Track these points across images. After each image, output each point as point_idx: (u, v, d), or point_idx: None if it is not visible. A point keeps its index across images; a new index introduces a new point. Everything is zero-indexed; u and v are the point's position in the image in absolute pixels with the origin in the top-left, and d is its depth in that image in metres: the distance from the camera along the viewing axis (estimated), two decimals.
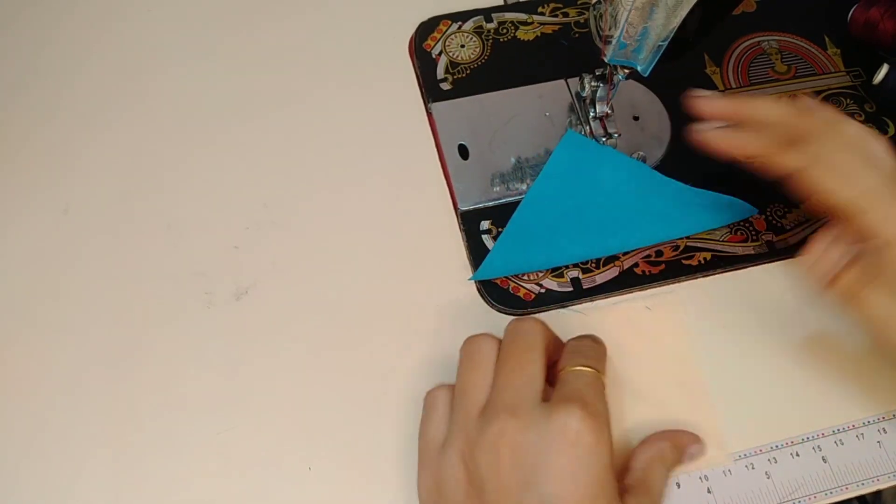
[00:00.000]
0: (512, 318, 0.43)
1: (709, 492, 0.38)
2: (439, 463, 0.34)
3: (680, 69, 0.50)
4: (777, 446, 0.40)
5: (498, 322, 0.43)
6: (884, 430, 0.40)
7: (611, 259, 0.44)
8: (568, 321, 0.43)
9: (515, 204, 0.44)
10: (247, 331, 0.42)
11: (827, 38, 0.52)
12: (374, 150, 0.48)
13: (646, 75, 0.39)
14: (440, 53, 0.51)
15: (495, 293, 0.43)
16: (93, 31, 0.51)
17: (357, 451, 0.39)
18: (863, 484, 0.39)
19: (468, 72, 0.50)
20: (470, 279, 0.44)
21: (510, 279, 0.43)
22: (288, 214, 0.45)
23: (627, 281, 0.44)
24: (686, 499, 0.38)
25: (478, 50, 0.51)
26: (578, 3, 0.53)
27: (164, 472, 0.39)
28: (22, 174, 0.47)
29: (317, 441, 0.39)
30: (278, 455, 0.39)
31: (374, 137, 0.48)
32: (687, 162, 0.47)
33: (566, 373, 0.35)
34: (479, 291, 0.43)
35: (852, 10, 0.51)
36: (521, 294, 0.43)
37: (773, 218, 0.46)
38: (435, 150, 0.48)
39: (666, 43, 0.37)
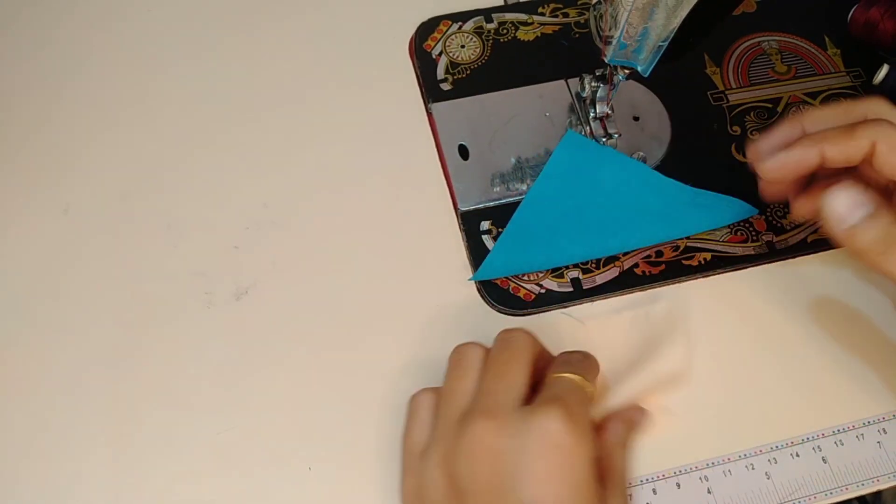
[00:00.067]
0: (512, 318, 0.43)
1: (709, 492, 0.38)
2: (421, 468, 0.34)
3: (680, 69, 0.50)
4: (777, 446, 0.40)
5: (498, 322, 0.43)
6: (884, 430, 0.40)
7: (611, 259, 0.44)
8: (567, 326, 0.43)
9: (515, 204, 0.44)
10: (247, 331, 0.42)
11: (827, 39, 0.52)
12: (375, 150, 0.48)
13: (646, 75, 0.39)
14: (440, 54, 0.51)
15: (495, 293, 0.43)
16: (93, 31, 0.51)
17: (357, 451, 0.39)
18: (863, 484, 0.39)
19: (468, 72, 0.50)
20: (470, 279, 0.44)
21: (510, 279, 0.43)
22: (288, 214, 0.45)
23: (627, 281, 0.44)
24: (686, 499, 0.38)
25: (478, 50, 0.51)
26: (578, 3, 0.53)
27: (164, 472, 0.39)
28: (22, 174, 0.47)
29: (317, 441, 0.39)
30: (278, 455, 0.39)
31: (374, 137, 0.48)
32: (687, 162, 0.47)
33: (550, 378, 0.35)
34: (479, 292, 0.43)
35: (852, 10, 0.51)
36: (521, 294, 0.43)
37: (773, 218, 0.46)
38: (435, 150, 0.48)
39: (666, 43, 0.37)
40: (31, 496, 0.38)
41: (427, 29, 0.51)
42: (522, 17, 0.52)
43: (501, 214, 0.45)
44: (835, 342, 0.42)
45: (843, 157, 0.36)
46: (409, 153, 0.47)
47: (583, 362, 0.36)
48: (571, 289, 0.43)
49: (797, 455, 0.39)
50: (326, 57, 0.51)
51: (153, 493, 0.38)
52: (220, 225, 0.45)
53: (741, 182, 0.43)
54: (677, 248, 0.45)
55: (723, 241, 0.45)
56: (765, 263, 0.45)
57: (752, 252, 0.45)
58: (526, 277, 0.44)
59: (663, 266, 0.44)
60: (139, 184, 0.46)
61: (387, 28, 0.52)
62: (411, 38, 0.51)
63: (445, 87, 0.49)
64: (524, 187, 0.46)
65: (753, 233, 0.45)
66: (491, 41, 0.51)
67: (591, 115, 0.46)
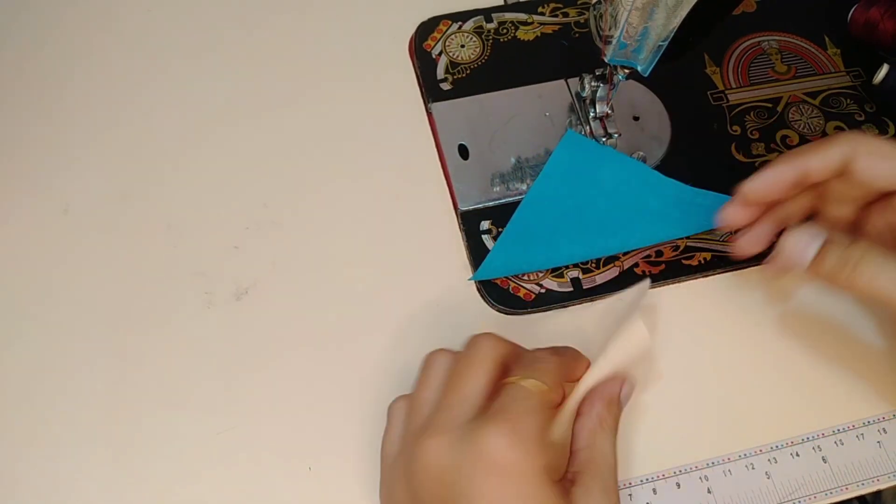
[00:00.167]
0: (512, 318, 0.43)
1: (709, 492, 0.38)
2: (389, 479, 0.34)
3: (680, 69, 0.50)
4: (777, 446, 0.40)
5: (498, 322, 0.43)
6: (884, 430, 0.40)
7: (611, 259, 0.44)
8: (567, 326, 0.43)
9: (515, 204, 0.44)
10: (247, 331, 0.42)
11: (827, 38, 0.52)
12: (374, 150, 0.48)
13: (646, 75, 0.39)
14: (440, 53, 0.51)
15: (495, 293, 0.43)
16: (92, 30, 0.51)
17: (357, 451, 0.39)
18: (863, 484, 0.39)
19: (468, 72, 0.50)
20: (470, 279, 0.44)
21: (510, 279, 0.43)
22: (288, 214, 0.45)
23: (627, 281, 0.44)
24: (686, 499, 0.38)
25: (478, 50, 0.51)
26: (578, 3, 0.53)
27: (165, 471, 0.39)
28: (22, 174, 0.47)
29: (317, 441, 0.39)
30: (278, 455, 0.39)
31: (374, 137, 0.48)
32: (687, 162, 0.47)
33: (504, 385, 0.33)
34: (479, 291, 0.43)
35: (852, 10, 0.51)
36: (521, 294, 0.43)
37: None
38: (435, 150, 0.48)
39: (666, 43, 0.37)
40: (31, 496, 0.38)
41: (427, 29, 0.51)
42: (522, 16, 0.52)
43: (501, 214, 0.45)
44: (835, 342, 0.42)
45: (824, 167, 0.37)
46: (409, 153, 0.47)
47: (547, 361, 0.34)
48: (571, 289, 0.43)
49: (797, 455, 0.39)
50: (326, 57, 0.51)
51: (153, 493, 0.38)
52: (220, 225, 0.45)
53: (741, 182, 0.43)
54: (677, 248, 0.45)
55: (723, 241, 0.45)
56: (765, 263, 0.44)
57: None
58: (526, 277, 0.44)
59: (663, 266, 0.44)
60: (139, 184, 0.46)
61: (387, 28, 0.52)
62: (411, 38, 0.51)
63: (445, 86, 0.49)
64: (524, 187, 0.46)
65: None
66: (491, 41, 0.51)
67: (591, 114, 0.46)
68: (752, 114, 0.49)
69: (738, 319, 0.43)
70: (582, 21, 0.52)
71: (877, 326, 0.43)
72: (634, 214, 0.44)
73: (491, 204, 0.46)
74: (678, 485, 0.39)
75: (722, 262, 0.44)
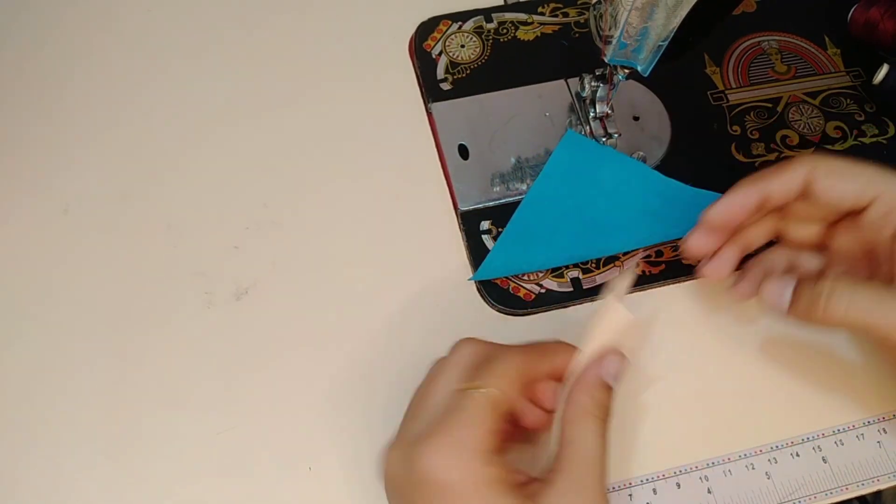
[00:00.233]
0: (512, 318, 0.43)
1: (709, 492, 0.38)
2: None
3: (680, 69, 0.50)
4: (777, 446, 0.40)
5: (498, 322, 0.43)
6: (884, 430, 0.40)
7: (611, 259, 0.44)
8: (566, 325, 0.43)
9: (515, 204, 0.44)
10: (247, 331, 0.42)
11: (827, 38, 0.52)
12: (374, 150, 0.48)
13: (646, 75, 0.39)
14: (440, 53, 0.51)
15: (495, 293, 0.43)
16: (92, 30, 0.51)
17: (357, 452, 0.39)
18: (863, 484, 0.39)
19: (468, 72, 0.50)
20: (470, 279, 0.44)
21: (510, 279, 0.43)
22: (288, 214, 0.45)
23: None
24: (686, 499, 0.38)
25: (478, 50, 0.51)
26: (578, 3, 0.53)
27: (165, 471, 0.39)
28: (21, 174, 0.47)
29: (317, 441, 0.39)
30: (278, 455, 0.39)
31: (374, 137, 0.48)
32: (687, 162, 0.47)
33: (455, 393, 0.32)
34: (479, 291, 0.43)
35: (852, 10, 0.51)
36: (521, 294, 0.43)
37: None
38: (435, 150, 0.48)
39: (666, 43, 0.37)
40: (31, 496, 0.38)
41: (427, 29, 0.51)
42: (522, 16, 0.52)
43: (501, 214, 0.45)
44: (836, 342, 0.42)
45: (785, 189, 0.37)
46: (409, 153, 0.47)
47: (498, 363, 0.33)
48: (571, 289, 0.43)
49: (797, 455, 0.39)
50: (326, 57, 0.51)
51: (153, 493, 0.38)
52: (220, 225, 0.45)
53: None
54: (677, 248, 0.45)
55: None
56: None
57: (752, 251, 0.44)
58: (526, 277, 0.44)
59: (663, 266, 0.44)
60: (139, 184, 0.46)
61: (387, 28, 0.52)
62: (411, 38, 0.51)
63: (445, 86, 0.49)
64: (524, 187, 0.46)
65: None
66: (491, 41, 0.51)
67: (591, 114, 0.46)
68: (752, 114, 0.49)
69: (738, 319, 0.43)
70: (582, 21, 0.52)
71: None
72: (634, 214, 0.44)
73: (491, 204, 0.46)
74: (678, 485, 0.39)
75: None
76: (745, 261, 0.40)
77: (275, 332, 0.42)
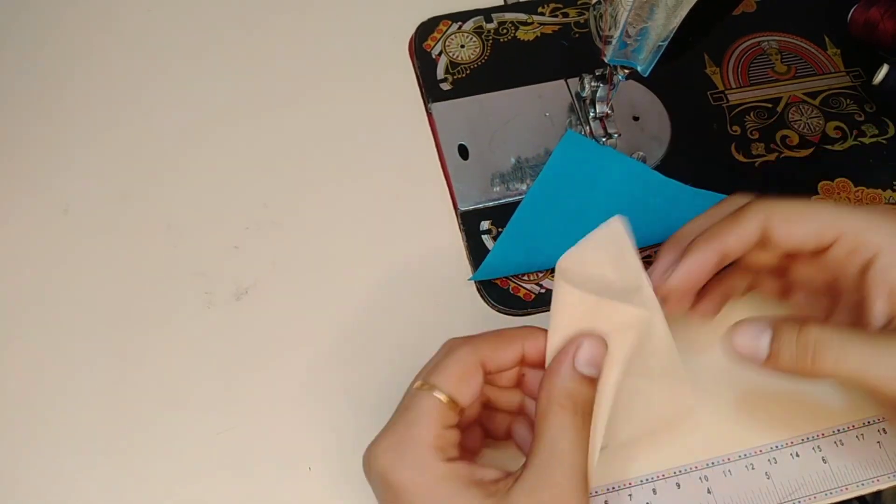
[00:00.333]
0: (512, 318, 0.43)
1: (709, 492, 0.38)
2: None
3: (680, 69, 0.50)
4: (777, 446, 0.40)
5: (498, 322, 0.43)
6: (884, 430, 0.40)
7: None
8: None
9: (515, 204, 0.44)
10: (247, 331, 0.42)
11: (827, 38, 0.52)
12: (375, 150, 0.48)
13: (646, 75, 0.39)
14: (440, 53, 0.51)
15: (495, 293, 0.43)
16: (92, 30, 0.52)
17: (357, 451, 0.39)
18: (863, 484, 0.39)
19: (468, 72, 0.50)
20: (470, 279, 0.44)
21: (510, 279, 0.43)
22: (288, 214, 0.45)
23: None
24: (686, 499, 0.38)
25: (478, 50, 0.51)
26: (578, 3, 0.53)
27: (165, 471, 0.39)
28: (22, 174, 0.47)
29: (317, 441, 0.39)
30: (278, 455, 0.39)
31: (374, 137, 0.48)
32: (687, 162, 0.47)
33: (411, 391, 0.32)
34: (478, 291, 0.43)
35: (852, 10, 0.51)
36: (521, 294, 0.43)
37: None
38: (435, 150, 0.48)
39: (666, 43, 0.37)
40: (31, 496, 0.38)
41: (427, 29, 0.51)
42: (522, 16, 0.52)
43: (501, 214, 0.45)
44: None
45: (741, 244, 0.35)
46: (408, 153, 0.47)
47: (443, 361, 0.32)
48: None
49: (797, 455, 0.39)
50: (326, 57, 0.51)
51: (153, 493, 0.38)
52: (220, 225, 0.45)
53: (741, 182, 0.43)
54: None
55: None
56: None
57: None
58: (526, 277, 0.44)
59: None
60: (139, 184, 0.46)
61: (387, 28, 0.52)
62: (411, 38, 0.51)
63: (445, 86, 0.49)
64: (524, 187, 0.46)
65: None
66: (491, 41, 0.51)
67: (591, 114, 0.46)
68: (751, 114, 0.49)
69: (738, 319, 0.43)
70: (582, 21, 0.52)
71: None
72: (634, 214, 0.44)
73: (491, 204, 0.46)
74: (678, 485, 0.39)
75: None
76: None
77: (275, 332, 0.42)
